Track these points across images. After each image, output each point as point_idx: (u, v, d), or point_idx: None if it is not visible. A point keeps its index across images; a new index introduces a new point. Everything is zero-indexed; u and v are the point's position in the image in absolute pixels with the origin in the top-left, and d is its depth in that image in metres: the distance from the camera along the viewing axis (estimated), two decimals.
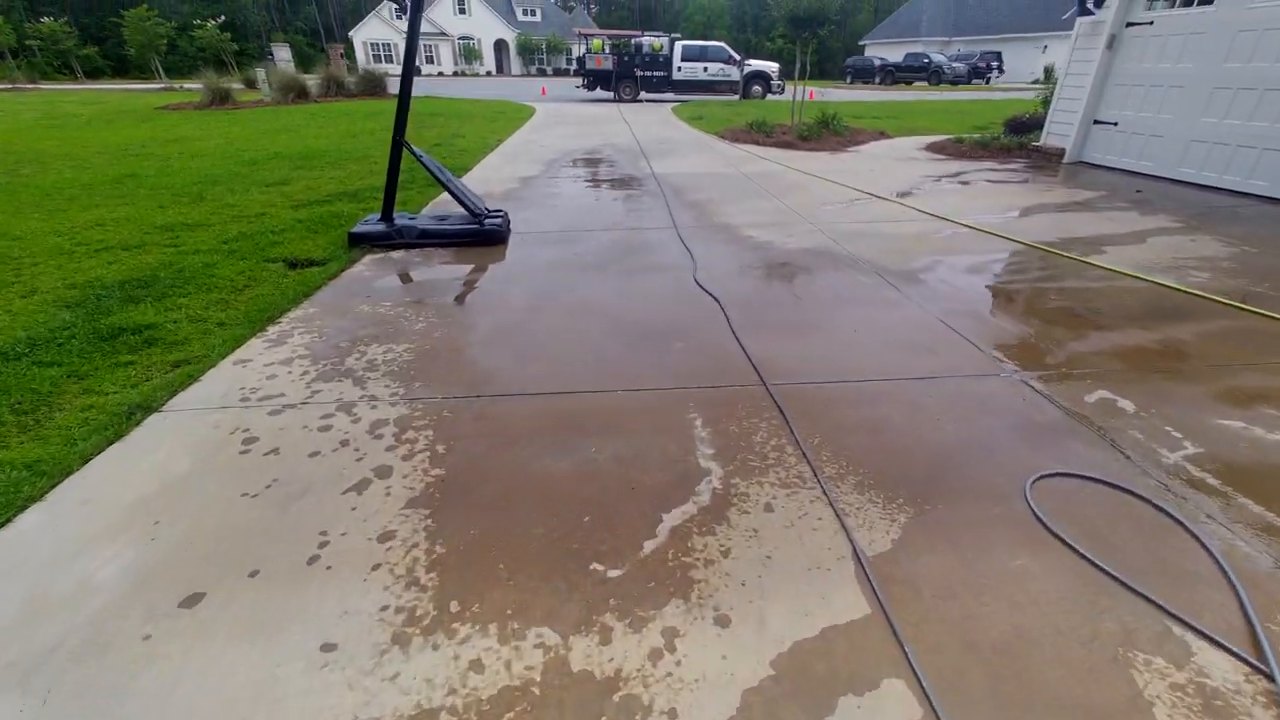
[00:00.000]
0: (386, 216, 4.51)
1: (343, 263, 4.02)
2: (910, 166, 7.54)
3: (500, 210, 4.75)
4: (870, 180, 6.58)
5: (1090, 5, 6.73)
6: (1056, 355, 2.71)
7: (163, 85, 22.92)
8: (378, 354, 2.76)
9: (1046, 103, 8.73)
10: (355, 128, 11.29)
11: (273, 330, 3.01)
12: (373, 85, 17.46)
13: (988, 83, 33.20)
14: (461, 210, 4.58)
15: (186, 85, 18.75)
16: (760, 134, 9.91)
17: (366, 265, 4.01)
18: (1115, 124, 6.72)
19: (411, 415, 2.28)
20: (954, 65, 32.82)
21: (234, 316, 3.16)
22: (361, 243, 4.33)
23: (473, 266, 4.00)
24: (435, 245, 4.38)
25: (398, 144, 4.35)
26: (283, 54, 19.30)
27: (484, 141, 9.73)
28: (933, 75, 32.31)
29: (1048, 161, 7.40)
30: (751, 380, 2.52)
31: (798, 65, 10.66)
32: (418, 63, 47.22)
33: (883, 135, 10.39)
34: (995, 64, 33.87)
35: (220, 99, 14.39)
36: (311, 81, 16.64)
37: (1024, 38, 36.41)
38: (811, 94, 11.28)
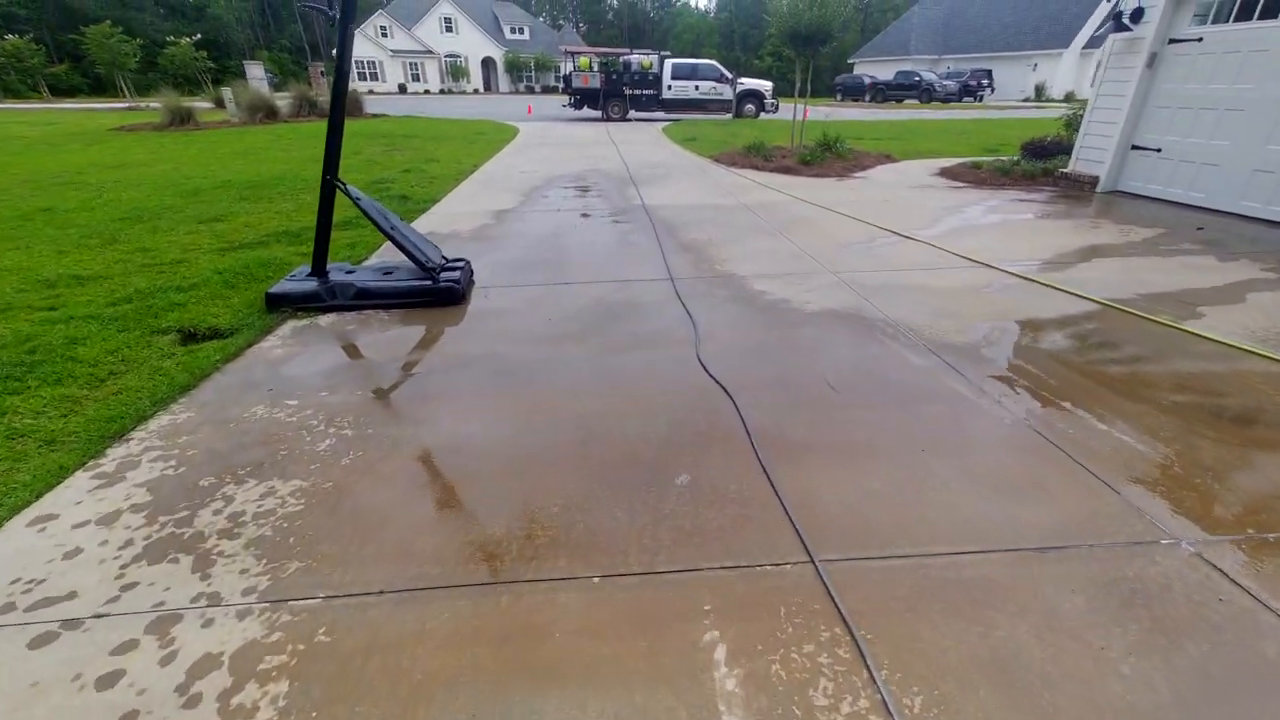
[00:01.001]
0: (318, 270, 3.69)
1: (253, 334, 3.17)
2: (928, 196, 6.81)
3: (460, 261, 3.92)
4: (889, 214, 5.82)
5: (1126, 20, 6.06)
6: (1226, 499, 1.90)
7: (127, 104, 21.99)
8: (249, 501, 1.91)
9: (1069, 125, 8.09)
10: (320, 151, 10.43)
11: (114, 454, 2.16)
12: (349, 104, 16.67)
13: (979, 100, 33.00)
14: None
15: (151, 104, 17.90)
16: (759, 157, 9.18)
17: (282, 338, 3.16)
18: (1158, 150, 6.02)
19: (266, 641, 1.43)
20: (945, 83, 32.58)
21: (72, 429, 2.30)
22: (283, 305, 3.48)
23: (418, 341, 3.16)
24: (377, 307, 3.55)
25: (329, 183, 3.54)
26: (255, 72, 18.48)
27: (459, 167, 8.94)
28: (923, 93, 32.03)
29: (1080, 191, 6.69)
30: (793, 553, 1.70)
31: (797, 83, 9.98)
32: (404, 80, 46.72)
33: (888, 158, 9.70)
34: (986, 82, 33.72)
35: (181, 119, 13.50)
36: (282, 101, 15.82)
37: (1014, 56, 36.36)
38: (806, 112, 10.63)
